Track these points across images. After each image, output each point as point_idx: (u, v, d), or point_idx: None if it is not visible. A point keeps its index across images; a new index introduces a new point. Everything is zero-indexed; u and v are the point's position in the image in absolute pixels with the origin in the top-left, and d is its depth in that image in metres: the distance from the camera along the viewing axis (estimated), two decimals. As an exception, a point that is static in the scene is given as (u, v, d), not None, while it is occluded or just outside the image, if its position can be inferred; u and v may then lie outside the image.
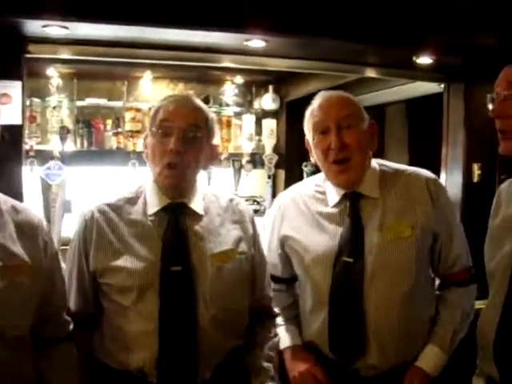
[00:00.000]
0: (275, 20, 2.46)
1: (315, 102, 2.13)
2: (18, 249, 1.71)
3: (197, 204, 2.00)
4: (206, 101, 4.33)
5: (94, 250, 1.92)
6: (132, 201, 2.00)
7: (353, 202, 2.11)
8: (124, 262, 1.89)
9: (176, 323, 1.86)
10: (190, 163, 1.92)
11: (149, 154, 1.97)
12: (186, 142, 1.89)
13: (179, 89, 4.34)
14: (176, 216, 1.95)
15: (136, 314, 1.87)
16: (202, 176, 2.12)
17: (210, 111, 2.04)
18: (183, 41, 2.67)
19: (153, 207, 1.96)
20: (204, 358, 1.88)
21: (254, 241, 2.09)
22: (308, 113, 2.14)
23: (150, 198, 1.99)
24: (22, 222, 1.77)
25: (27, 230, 1.76)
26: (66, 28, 2.38)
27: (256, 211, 4.16)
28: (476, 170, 3.13)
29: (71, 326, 1.92)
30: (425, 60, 2.93)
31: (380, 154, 5.38)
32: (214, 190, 2.16)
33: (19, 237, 1.73)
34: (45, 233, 1.83)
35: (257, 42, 2.61)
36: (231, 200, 2.11)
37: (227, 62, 2.96)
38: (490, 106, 1.75)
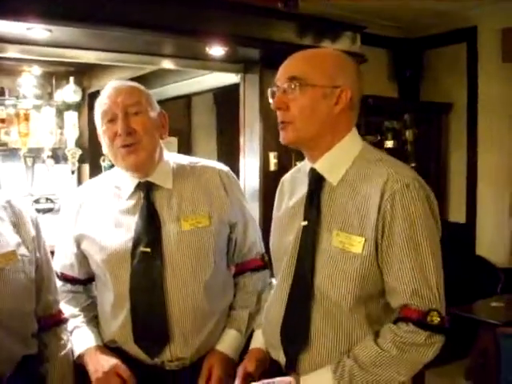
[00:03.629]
0: (58, 8, 2.35)
1: (103, 92, 2.09)
2: None
3: None
4: (2, 93, 4.08)
5: None
6: None
7: (147, 193, 2.10)
8: None
9: None
10: None
11: None
12: None
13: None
14: None
15: None
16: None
17: None
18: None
19: None
20: None
21: (38, 243, 2.00)
22: (97, 103, 2.11)
23: None
24: None
25: None
26: None
27: (50, 210, 4.04)
28: (272, 159, 3.26)
29: None
30: (217, 51, 2.96)
31: (188, 142, 5.49)
32: None
33: None
34: None
35: (39, 32, 2.48)
36: (9, 201, 1.99)
37: (13, 51, 2.78)
38: (271, 100, 1.78)
